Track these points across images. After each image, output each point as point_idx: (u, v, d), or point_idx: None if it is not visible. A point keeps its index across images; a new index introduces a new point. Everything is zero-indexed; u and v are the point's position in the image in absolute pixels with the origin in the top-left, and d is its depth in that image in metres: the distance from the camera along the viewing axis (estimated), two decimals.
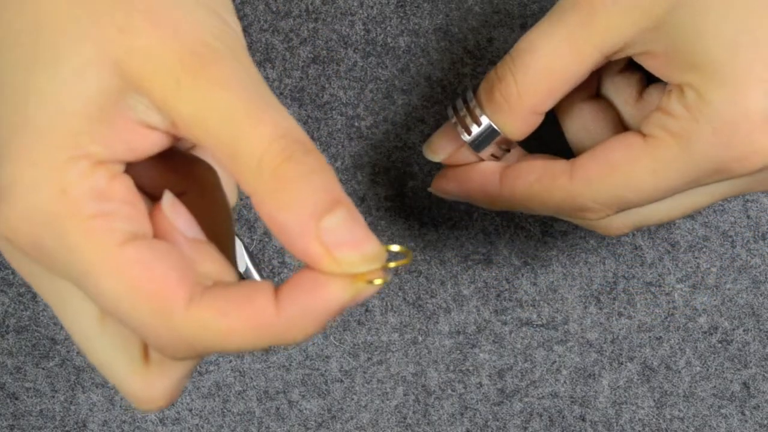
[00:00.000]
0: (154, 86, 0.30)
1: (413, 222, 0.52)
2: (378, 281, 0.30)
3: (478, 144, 0.41)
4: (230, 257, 0.34)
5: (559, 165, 0.40)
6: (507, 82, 0.39)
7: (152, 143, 0.31)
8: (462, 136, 0.42)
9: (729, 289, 0.53)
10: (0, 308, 0.53)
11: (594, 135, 0.42)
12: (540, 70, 0.38)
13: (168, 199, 0.32)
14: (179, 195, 0.33)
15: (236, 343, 0.30)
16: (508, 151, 0.42)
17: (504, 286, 0.53)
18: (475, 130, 0.41)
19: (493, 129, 0.40)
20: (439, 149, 0.44)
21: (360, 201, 0.52)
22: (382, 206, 0.52)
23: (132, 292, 0.29)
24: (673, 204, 0.41)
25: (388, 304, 0.53)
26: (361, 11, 0.50)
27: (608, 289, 0.53)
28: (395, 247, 0.32)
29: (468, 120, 0.41)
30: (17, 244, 0.30)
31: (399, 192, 0.52)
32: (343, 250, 0.29)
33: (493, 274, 0.53)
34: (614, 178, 0.38)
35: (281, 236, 0.29)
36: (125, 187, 0.30)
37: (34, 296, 0.52)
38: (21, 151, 0.29)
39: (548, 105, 0.39)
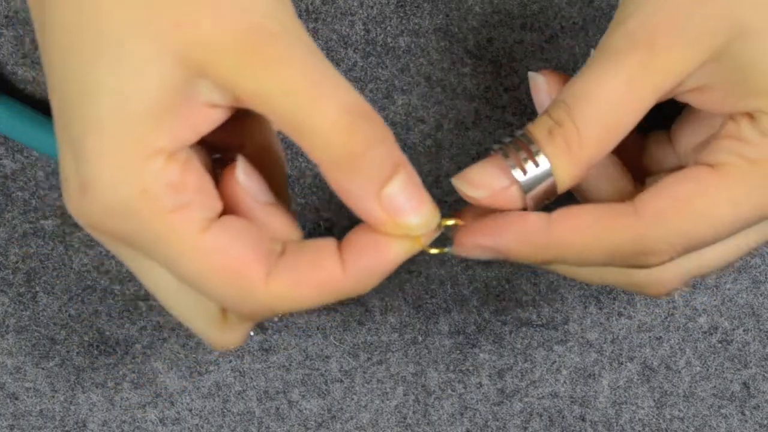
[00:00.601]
0: (216, 70, 0.32)
1: None
2: (433, 250, 0.36)
3: (529, 187, 0.37)
4: (290, 209, 0.37)
5: (619, 205, 0.37)
6: (568, 128, 0.36)
7: (217, 119, 0.33)
8: (514, 174, 0.37)
9: (729, 289, 0.53)
10: (0, 308, 0.53)
11: (617, 184, 0.41)
12: (599, 118, 0.36)
13: (241, 167, 0.34)
14: (240, 149, 0.35)
15: (308, 304, 0.34)
16: (544, 202, 0.38)
17: (504, 286, 0.53)
18: (531, 169, 0.37)
19: (548, 174, 0.37)
20: (482, 184, 0.37)
21: None
22: None
23: (214, 275, 0.32)
24: (730, 246, 0.39)
25: (388, 304, 0.53)
26: (361, 11, 0.50)
27: (608, 289, 0.53)
28: (450, 222, 0.37)
29: (523, 158, 0.37)
30: (100, 232, 0.33)
31: None
32: (403, 215, 0.33)
33: (493, 274, 0.53)
34: (688, 212, 0.35)
35: (347, 201, 0.33)
36: (196, 174, 0.33)
37: (34, 296, 0.52)
38: (98, 150, 0.31)
39: (604, 154, 0.37)
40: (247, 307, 0.33)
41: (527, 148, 0.37)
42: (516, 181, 0.37)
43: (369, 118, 0.32)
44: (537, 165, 0.37)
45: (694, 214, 0.35)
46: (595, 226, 0.36)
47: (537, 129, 0.37)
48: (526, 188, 0.37)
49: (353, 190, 0.33)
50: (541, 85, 0.41)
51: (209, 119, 0.33)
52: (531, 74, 0.41)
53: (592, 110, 0.36)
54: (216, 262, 0.32)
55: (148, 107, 0.31)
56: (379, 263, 0.34)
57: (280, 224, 0.35)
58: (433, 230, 0.35)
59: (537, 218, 0.37)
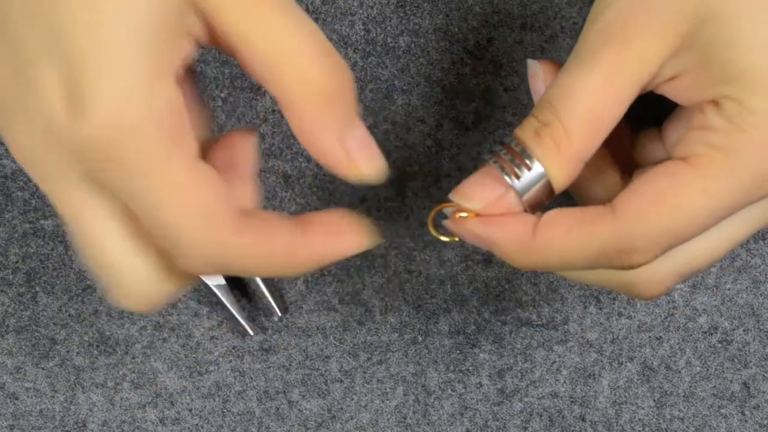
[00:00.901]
0: (208, 2, 0.32)
1: (413, 222, 0.52)
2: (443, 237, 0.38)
3: (525, 191, 0.37)
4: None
5: (596, 208, 0.37)
6: (555, 127, 0.37)
7: (189, 57, 0.33)
8: (510, 182, 0.37)
9: (729, 289, 0.53)
10: (0, 308, 0.53)
11: (607, 182, 0.41)
12: (583, 114, 0.36)
13: (249, 133, 0.37)
14: None
15: (264, 265, 0.34)
16: (545, 203, 0.39)
17: (504, 286, 0.53)
18: (526, 174, 0.37)
19: (542, 176, 0.37)
20: (477, 196, 0.38)
21: (360, 201, 0.52)
22: (382, 206, 0.52)
23: (189, 214, 0.32)
24: (716, 239, 0.39)
25: (388, 304, 0.53)
26: (361, 11, 0.50)
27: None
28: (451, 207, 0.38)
29: (515, 164, 0.37)
30: (85, 158, 0.32)
31: (399, 192, 0.52)
32: (360, 162, 0.35)
33: (493, 274, 0.53)
34: (664, 207, 0.36)
35: (308, 140, 0.34)
36: (189, 102, 0.34)
37: (34, 296, 0.52)
38: (107, 66, 0.31)
39: (594, 150, 0.37)
40: (209, 254, 0.33)
41: (518, 154, 0.37)
42: (510, 188, 0.37)
43: (343, 64, 0.34)
44: (530, 169, 0.37)
45: (670, 208, 0.36)
46: (575, 230, 0.37)
47: (524, 132, 0.37)
48: (522, 193, 0.37)
49: (319, 129, 0.34)
50: (538, 73, 0.41)
51: (192, 54, 0.33)
52: (529, 61, 0.41)
53: (576, 108, 0.36)
54: (195, 201, 0.32)
55: (157, 27, 0.31)
56: (338, 247, 0.35)
57: (252, 195, 0.36)
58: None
59: (525, 222, 0.38)
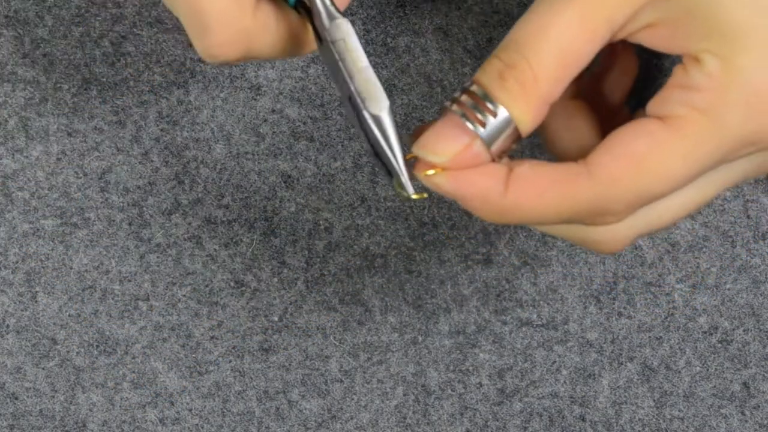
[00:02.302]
0: None
1: (413, 222, 0.52)
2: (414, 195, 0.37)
3: (492, 139, 0.36)
4: None
5: (570, 167, 0.36)
6: (521, 68, 0.35)
7: None
8: (476, 130, 0.35)
9: (729, 289, 0.53)
10: (0, 308, 0.53)
11: (579, 134, 0.40)
12: (554, 52, 0.35)
13: None
14: None
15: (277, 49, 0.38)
16: (512, 149, 0.37)
17: (504, 286, 0.53)
18: (491, 122, 0.35)
19: (508, 121, 0.35)
20: (441, 148, 0.36)
21: (360, 201, 0.52)
22: (382, 206, 0.52)
23: None
24: (684, 198, 0.38)
25: (388, 304, 0.53)
26: (361, 11, 0.50)
27: (608, 289, 0.53)
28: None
29: (479, 111, 0.35)
30: None
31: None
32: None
33: (493, 274, 0.53)
34: (642, 171, 0.35)
35: None
36: None
37: (34, 296, 0.52)
38: None
39: (560, 91, 0.36)
40: (235, 32, 0.35)
41: (480, 100, 0.36)
42: (476, 137, 0.36)
43: None
44: (495, 115, 0.35)
45: (647, 172, 0.35)
46: (549, 191, 0.35)
47: (487, 75, 0.36)
48: (488, 142, 0.36)
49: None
50: None
51: None
52: None
53: (546, 47, 0.35)
54: None
55: None
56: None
57: None
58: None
59: (496, 177, 0.36)
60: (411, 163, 0.37)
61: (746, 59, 0.34)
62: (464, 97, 0.36)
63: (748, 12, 0.33)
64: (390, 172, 0.37)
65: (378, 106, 0.36)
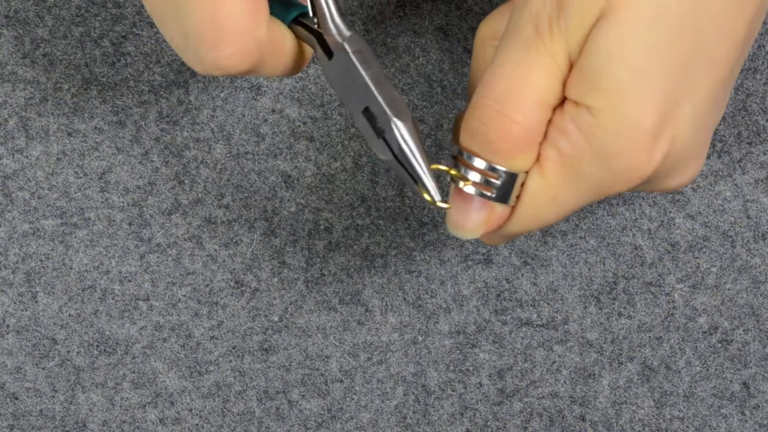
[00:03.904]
0: None
1: (413, 222, 0.52)
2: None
3: (508, 195, 0.38)
4: None
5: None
6: (507, 127, 0.36)
7: None
8: (493, 197, 0.38)
9: (729, 289, 0.53)
10: (0, 308, 0.53)
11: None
12: (535, 103, 0.36)
13: None
14: None
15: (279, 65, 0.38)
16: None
17: (504, 286, 0.53)
18: (501, 182, 0.37)
19: (515, 176, 0.37)
20: (471, 226, 0.39)
21: (360, 201, 0.52)
22: (382, 206, 0.52)
23: None
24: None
25: (388, 304, 0.53)
26: (361, 11, 0.50)
27: (608, 289, 0.53)
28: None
29: (486, 183, 0.37)
30: None
31: (399, 192, 0.52)
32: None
33: (493, 274, 0.53)
34: (518, 219, 0.38)
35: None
36: None
37: (34, 296, 0.52)
38: None
39: (545, 124, 0.37)
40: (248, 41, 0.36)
41: (482, 170, 0.37)
42: (493, 208, 0.38)
43: None
44: (499, 177, 0.37)
45: (523, 218, 0.38)
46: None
47: (477, 145, 0.37)
48: (507, 198, 0.38)
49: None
50: None
51: None
52: None
53: (527, 102, 0.36)
54: None
55: None
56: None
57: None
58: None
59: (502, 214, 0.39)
60: (435, 172, 0.38)
61: (611, 120, 0.35)
62: (460, 167, 0.38)
63: (626, 74, 0.35)
64: (416, 181, 0.37)
65: (404, 116, 0.36)
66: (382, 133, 0.37)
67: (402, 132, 0.37)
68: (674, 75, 0.35)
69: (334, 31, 0.37)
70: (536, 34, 0.36)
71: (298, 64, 0.39)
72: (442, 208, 0.38)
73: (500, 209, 0.38)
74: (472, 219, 0.39)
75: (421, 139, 0.38)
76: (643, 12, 0.34)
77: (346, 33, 0.37)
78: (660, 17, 0.34)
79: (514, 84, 0.36)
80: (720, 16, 0.35)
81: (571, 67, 0.36)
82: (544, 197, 0.37)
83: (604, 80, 0.35)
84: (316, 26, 0.38)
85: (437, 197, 0.37)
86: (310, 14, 0.38)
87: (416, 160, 0.37)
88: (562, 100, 0.37)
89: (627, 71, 0.35)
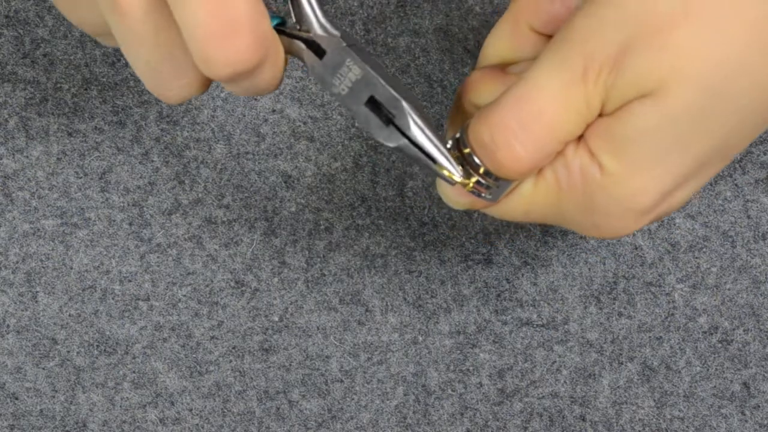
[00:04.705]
0: None
1: (413, 222, 0.52)
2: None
3: (501, 194, 0.38)
4: None
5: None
6: (517, 155, 0.36)
7: None
8: (487, 197, 0.38)
9: (729, 289, 0.53)
10: (0, 308, 0.53)
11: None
12: (548, 135, 0.36)
13: None
14: None
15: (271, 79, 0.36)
16: None
17: (504, 286, 0.53)
18: (500, 188, 0.38)
19: (508, 182, 0.38)
20: (463, 204, 0.40)
21: (360, 201, 0.52)
22: (382, 206, 0.52)
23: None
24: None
25: (389, 304, 0.53)
26: (361, 11, 0.51)
27: (608, 289, 0.53)
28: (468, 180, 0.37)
29: (485, 186, 0.38)
30: None
31: (399, 192, 0.52)
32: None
33: (493, 274, 0.53)
34: (497, 209, 0.39)
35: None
36: None
37: (35, 296, 0.52)
38: None
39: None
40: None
41: (484, 176, 0.37)
42: (489, 203, 0.38)
43: None
44: (499, 185, 0.37)
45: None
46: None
47: (479, 152, 0.37)
48: (499, 197, 0.38)
49: None
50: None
51: None
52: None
53: (542, 132, 0.36)
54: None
55: None
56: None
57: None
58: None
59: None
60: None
61: (618, 188, 0.36)
62: (465, 165, 0.38)
63: (649, 157, 0.35)
64: (434, 160, 0.37)
65: (412, 98, 0.36)
66: (392, 119, 0.36)
67: (413, 113, 0.36)
68: (691, 166, 0.35)
69: (321, 31, 0.37)
70: (582, 75, 0.35)
71: (282, 74, 0.39)
72: (465, 185, 0.38)
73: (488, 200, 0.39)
74: (462, 202, 0.39)
75: (431, 120, 0.38)
76: (691, 106, 0.34)
77: (335, 32, 0.37)
78: (703, 115, 0.34)
79: (544, 117, 0.35)
80: (750, 118, 0.35)
81: (599, 114, 0.36)
82: (520, 205, 0.38)
83: (627, 152, 0.35)
84: (298, 30, 0.38)
85: (458, 174, 0.37)
86: (293, 20, 0.38)
87: (431, 140, 0.37)
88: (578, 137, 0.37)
89: (651, 156, 0.35)
